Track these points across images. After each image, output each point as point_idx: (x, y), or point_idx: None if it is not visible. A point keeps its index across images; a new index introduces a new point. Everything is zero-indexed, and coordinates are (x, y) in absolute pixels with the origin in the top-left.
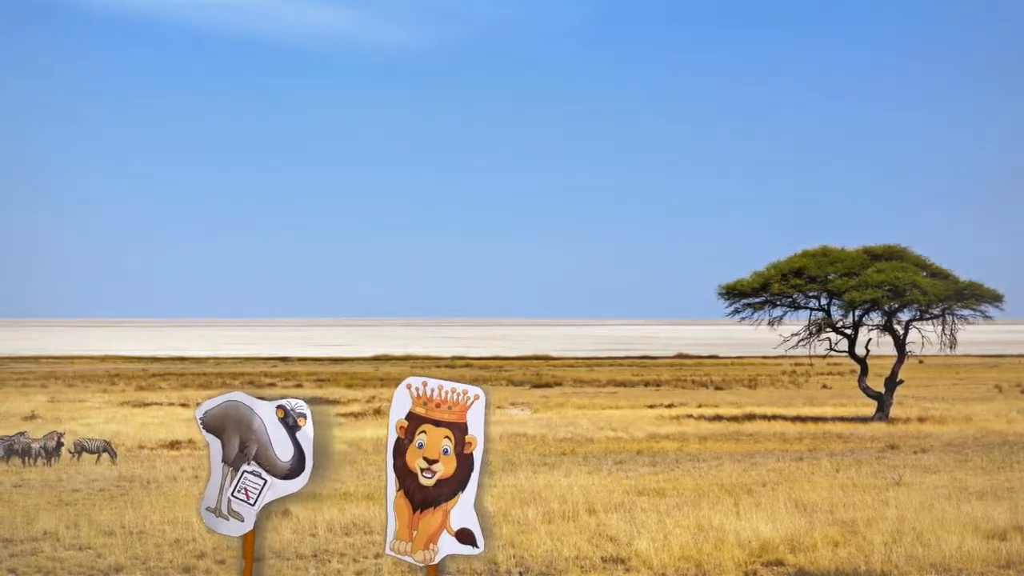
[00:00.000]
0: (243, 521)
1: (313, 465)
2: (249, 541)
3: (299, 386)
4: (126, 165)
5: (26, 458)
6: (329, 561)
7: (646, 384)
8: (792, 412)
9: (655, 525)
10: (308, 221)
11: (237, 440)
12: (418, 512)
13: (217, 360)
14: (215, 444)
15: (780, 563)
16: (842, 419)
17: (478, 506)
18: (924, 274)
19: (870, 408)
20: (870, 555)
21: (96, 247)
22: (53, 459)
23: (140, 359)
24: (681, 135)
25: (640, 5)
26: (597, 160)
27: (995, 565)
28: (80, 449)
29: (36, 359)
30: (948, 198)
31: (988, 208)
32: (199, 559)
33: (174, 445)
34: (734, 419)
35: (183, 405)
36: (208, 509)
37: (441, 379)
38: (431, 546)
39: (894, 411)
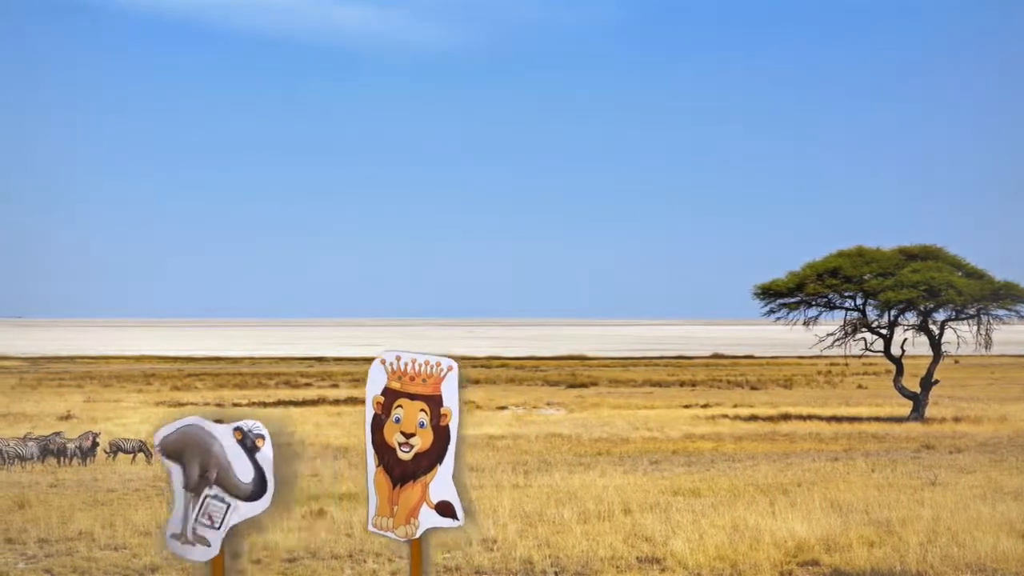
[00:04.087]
0: (210, 546)
1: (275, 486)
2: (217, 566)
3: (335, 386)
4: (153, 164)
5: (62, 458)
6: (364, 561)
7: (681, 384)
8: (828, 412)
9: (691, 525)
10: (343, 221)
11: (197, 465)
12: (398, 487)
13: (253, 360)
14: (176, 470)
15: (816, 563)
16: (877, 419)
17: (457, 478)
18: (959, 274)
19: (905, 408)
20: (905, 555)
21: (129, 247)
22: (88, 459)
23: (175, 359)
24: (717, 135)
25: (671, 7)
26: (632, 160)
27: None
28: (116, 449)
29: (72, 359)
30: (984, 198)
31: None
32: (233, 559)
33: None
34: (769, 419)
35: (219, 405)
36: (173, 536)
37: (415, 352)
38: (412, 520)
39: (929, 411)
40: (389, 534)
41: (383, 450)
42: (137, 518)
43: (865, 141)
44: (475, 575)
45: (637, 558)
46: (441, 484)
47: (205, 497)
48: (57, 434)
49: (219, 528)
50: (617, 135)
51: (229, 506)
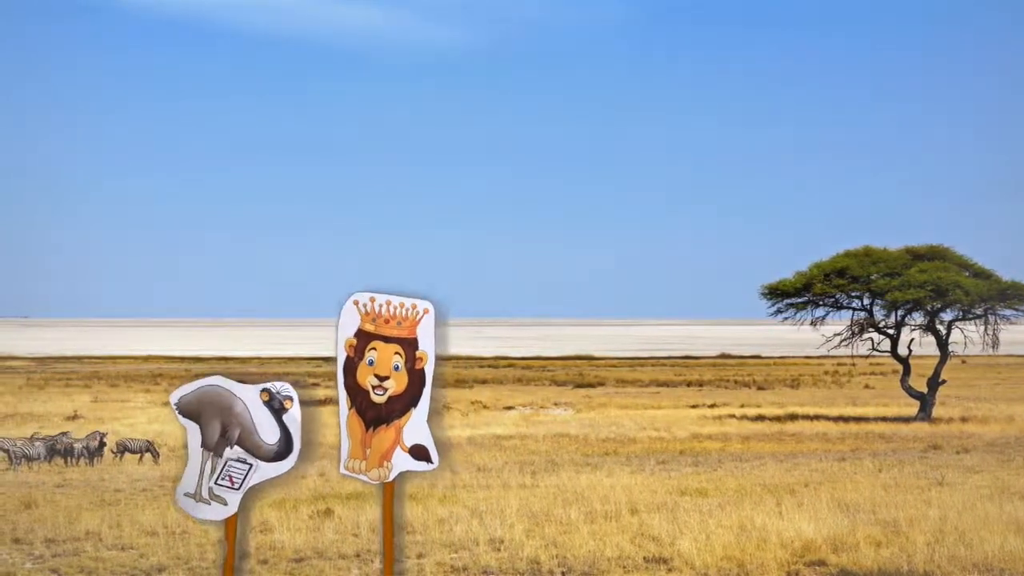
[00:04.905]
0: (226, 505)
1: (300, 447)
2: (231, 525)
3: None
4: (153, 164)
5: (69, 458)
6: (372, 561)
7: (689, 384)
8: (835, 412)
9: (698, 525)
10: (345, 221)
11: (217, 425)
12: (371, 430)
13: (261, 360)
14: (192, 429)
15: (823, 563)
16: (884, 419)
17: (431, 422)
18: (967, 274)
19: (912, 408)
20: (912, 555)
21: (129, 247)
22: (96, 459)
23: (183, 359)
24: (723, 135)
25: (672, 6)
26: (640, 160)
27: None
28: (123, 449)
29: (79, 359)
30: (991, 197)
31: None
32: (241, 559)
33: None
34: (777, 419)
35: None
36: (186, 495)
37: (389, 293)
38: (385, 463)
39: (936, 411)
40: (361, 476)
41: (355, 392)
42: (144, 518)
43: (865, 141)
44: (482, 575)
45: (644, 558)
46: (415, 428)
47: (227, 460)
48: (64, 434)
49: (239, 489)
50: (618, 135)
51: (251, 467)
